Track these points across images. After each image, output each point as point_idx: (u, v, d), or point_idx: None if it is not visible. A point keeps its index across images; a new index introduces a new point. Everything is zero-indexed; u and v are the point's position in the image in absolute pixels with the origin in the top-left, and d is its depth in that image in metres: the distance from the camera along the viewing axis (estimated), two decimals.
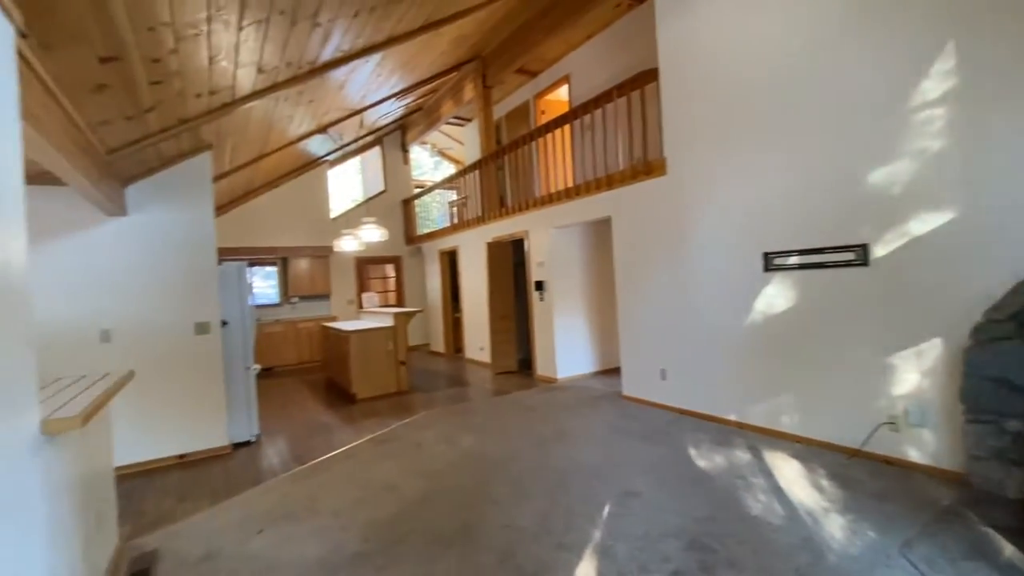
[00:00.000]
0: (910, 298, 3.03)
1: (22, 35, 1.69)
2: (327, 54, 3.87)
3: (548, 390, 5.83)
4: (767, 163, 3.73)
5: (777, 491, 2.88)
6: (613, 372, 6.28)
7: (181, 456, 4.13)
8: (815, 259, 3.46)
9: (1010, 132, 2.62)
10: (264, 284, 9.34)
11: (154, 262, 4.07)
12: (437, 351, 9.64)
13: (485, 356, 7.62)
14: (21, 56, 1.69)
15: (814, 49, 3.40)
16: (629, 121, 4.92)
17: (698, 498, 2.85)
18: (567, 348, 6.28)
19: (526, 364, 7.12)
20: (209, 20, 2.53)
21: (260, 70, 3.46)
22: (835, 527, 2.45)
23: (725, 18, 3.97)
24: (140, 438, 3.95)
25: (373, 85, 5.69)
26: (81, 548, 2.03)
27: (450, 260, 9.14)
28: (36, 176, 3.17)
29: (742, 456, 3.44)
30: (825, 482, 2.95)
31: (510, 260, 7.23)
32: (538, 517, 2.73)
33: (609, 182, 5.12)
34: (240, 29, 2.78)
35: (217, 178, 5.62)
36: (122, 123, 3.02)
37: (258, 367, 4.70)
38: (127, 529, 2.91)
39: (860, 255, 3.22)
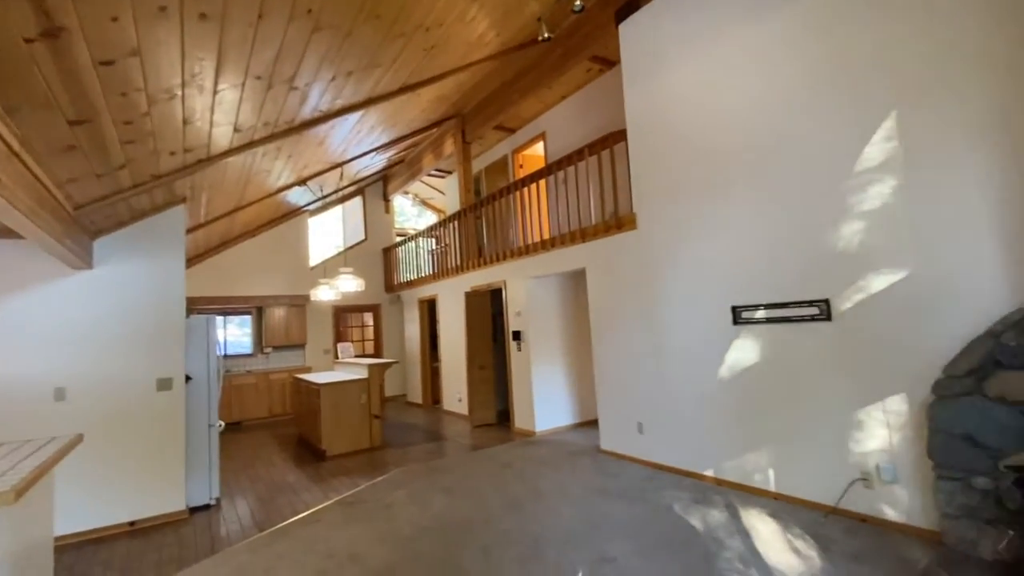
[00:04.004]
0: (873, 353, 3.09)
1: None
2: (305, 114, 3.97)
3: (526, 444, 5.69)
4: (734, 219, 3.87)
5: (753, 554, 2.80)
6: (592, 424, 6.18)
7: (132, 523, 3.87)
8: (781, 313, 3.53)
9: (950, 195, 2.78)
10: (239, 333, 9.14)
11: (118, 316, 3.96)
12: (415, 402, 9.41)
13: (463, 408, 7.46)
14: None
15: (776, 112, 3.61)
16: (600, 177, 5.09)
17: (674, 564, 2.75)
18: (545, 400, 6.19)
19: (505, 416, 6.98)
20: (184, 85, 2.59)
21: (236, 129, 3.53)
22: None
23: (690, 82, 4.21)
24: (88, 504, 3.71)
25: (353, 140, 5.83)
26: None
27: (429, 309, 9.10)
28: None
29: (719, 516, 3.36)
30: (801, 543, 2.89)
31: (488, 309, 7.22)
32: None
33: (583, 235, 5.24)
34: (215, 92, 2.85)
35: (191, 230, 5.59)
36: (91, 180, 3.02)
37: (222, 424, 4.52)
38: None
39: (823, 310, 3.30)
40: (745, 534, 3.06)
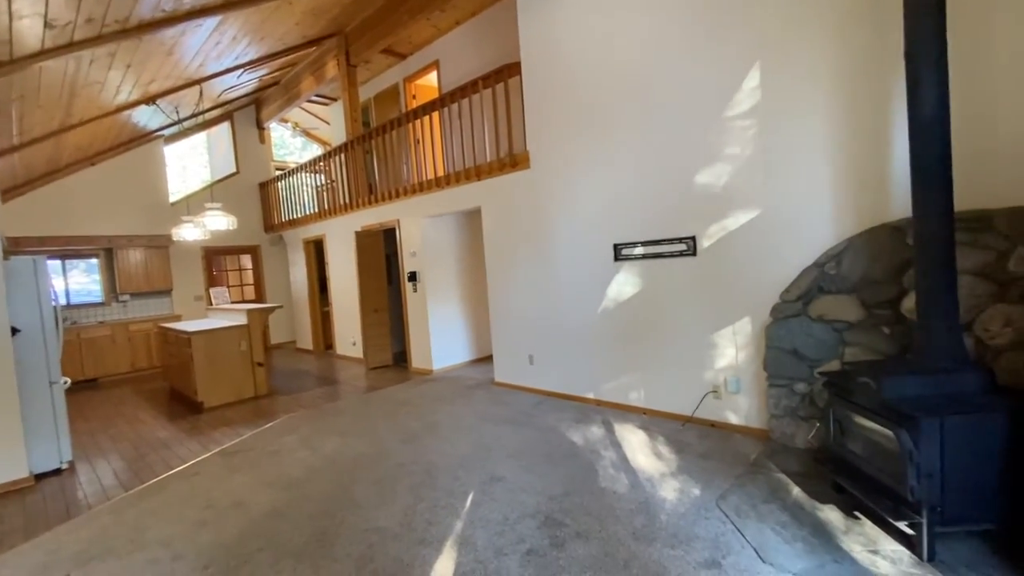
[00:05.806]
0: (727, 284, 3.51)
1: None
2: (143, 12, 3.31)
3: (423, 382, 5.76)
4: (617, 160, 4.03)
5: (624, 461, 3.17)
6: (488, 360, 6.40)
7: None
8: (655, 250, 3.84)
9: (794, 144, 3.13)
10: (85, 280, 7.90)
11: None
12: (305, 348, 8.99)
13: (358, 351, 7.29)
14: None
15: (658, 57, 3.73)
16: (495, 113, 4.97)
17: (555, 476, 3.03)
18: (442, 339, 6.25)
19: (401, 357, 6.95)
20: None
21: (49, 25, 2.85)
22: (668, 489, 2.77)
23: (580, 21, 4.17)
24: None
25: (212, 53, 5.02)
26: None
27: (316, 250, 8.54)
28: None
29: (597, 431, 3.73)
30: (663, 448, 3.32)
31: (381, 250, 6.96)
32: (401, 516, 2.69)
33: (478, 173, 5.15)
34: None
35: (1, 153, 4.56)
36: None
37: (67, 381, 3.96)
38: None
39: (690, 246, 3.64)
40: (618, 445, 3.44)
